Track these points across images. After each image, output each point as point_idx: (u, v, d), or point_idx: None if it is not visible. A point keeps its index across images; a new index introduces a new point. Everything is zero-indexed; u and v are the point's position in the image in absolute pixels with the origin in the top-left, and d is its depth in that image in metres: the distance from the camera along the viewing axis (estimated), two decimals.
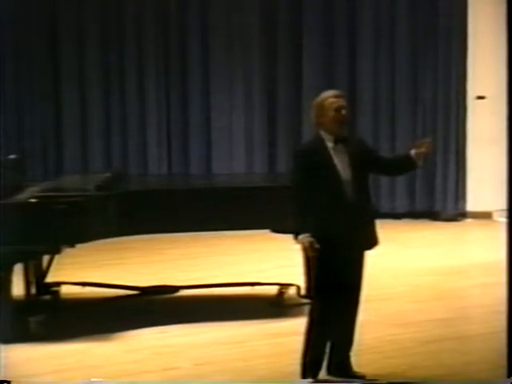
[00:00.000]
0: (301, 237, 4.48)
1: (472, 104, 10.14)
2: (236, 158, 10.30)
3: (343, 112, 4.61)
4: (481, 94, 10.06)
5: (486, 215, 10.06)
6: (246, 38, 10.25)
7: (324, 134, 4.65)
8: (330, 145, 4.63)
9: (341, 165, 4.59)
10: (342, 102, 4.63)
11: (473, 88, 10.11)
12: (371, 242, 4.68)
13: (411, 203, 10.37)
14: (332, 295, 4.56)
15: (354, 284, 4.66)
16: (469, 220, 10.23)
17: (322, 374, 4.70)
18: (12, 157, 6.14)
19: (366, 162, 4.65)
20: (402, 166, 4.85)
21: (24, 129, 10.05)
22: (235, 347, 5.52)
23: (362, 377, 4.75)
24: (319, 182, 4.56)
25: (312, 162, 4.59)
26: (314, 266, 4.51)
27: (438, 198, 10.31)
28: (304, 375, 4.66)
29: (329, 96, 4.65)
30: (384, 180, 10.24)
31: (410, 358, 5.24)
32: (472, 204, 10.25)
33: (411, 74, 10.21)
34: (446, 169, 10.24)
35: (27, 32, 9.93)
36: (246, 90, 10.35)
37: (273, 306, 6.35)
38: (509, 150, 4.08)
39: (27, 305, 5.92)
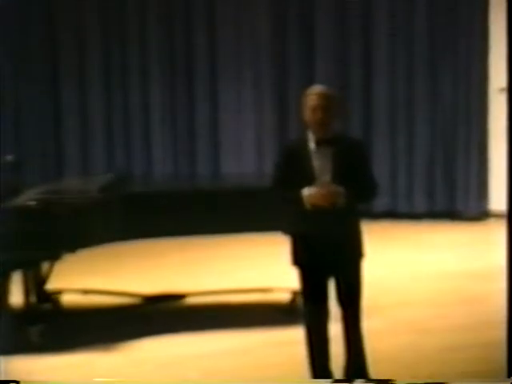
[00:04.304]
0: None
1: (494, 99, 9.91)
2: (246, 158, 10.09)
3: (319, 113, 4.32)
4: (504, 87, 9.83)
5: None
6: (256, 35, 10.03)
7: (309, 134, 4.41)
8: (312, 146, 4.38)
9: (320, 168, 4.33)
10: (320, 100, 4.32)
11: (494, 83, 9.88)
12: (354, 248, 4.44)
13: (431, 203, 10.09)
14: (319, 300, 4.46)
15: (344, 289, 4.46)
16: (492, 220, 9.98)
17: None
18: (10, 157, 5.94)
19: (350, 167, 4.35)
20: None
21: (22, 128, 9.84)
22: (245, 356, 5.40)
23: None
24: (295, 183, 4.32)
25: (291, 161, 4.39)
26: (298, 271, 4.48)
27: (459, 196, 10.04)
28: None
29: (310, 93, 4.40)
30: (401, 178, 10.05)
31: (430, 365, 5.12)
32: (495, 203, 9.99)
33: (430, 70, 9.96)
34: (467, 166, 9.97)
35: (26, 30, 9.75)
36: (255, 88, 10.12)
37: (285, 313, 6.15)
38: (509, 150, 4.04)
39: (27, 313, 5.73)
